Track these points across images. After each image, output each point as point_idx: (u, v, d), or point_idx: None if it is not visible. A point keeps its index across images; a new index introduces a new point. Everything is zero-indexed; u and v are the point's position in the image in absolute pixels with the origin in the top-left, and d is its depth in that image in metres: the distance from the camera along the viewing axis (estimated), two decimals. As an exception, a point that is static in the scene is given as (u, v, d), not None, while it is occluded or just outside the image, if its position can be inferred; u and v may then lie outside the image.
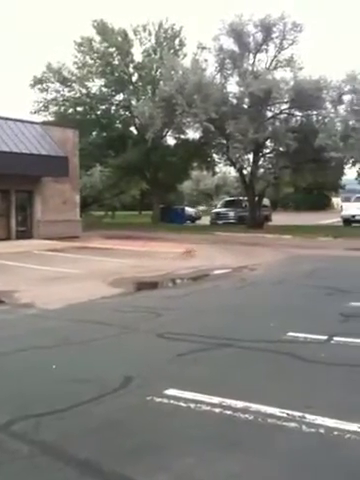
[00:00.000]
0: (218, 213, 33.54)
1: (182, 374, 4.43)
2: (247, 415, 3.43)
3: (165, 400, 3.81)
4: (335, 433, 3.11)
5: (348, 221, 27.73)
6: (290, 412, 3.42)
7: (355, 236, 20.89)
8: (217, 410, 3.56)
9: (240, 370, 4.48)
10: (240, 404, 3.63)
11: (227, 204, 34.74)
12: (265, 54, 26.04)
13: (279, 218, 33.93)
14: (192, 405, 3.69)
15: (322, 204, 56.17)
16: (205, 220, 36.67)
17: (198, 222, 39.70)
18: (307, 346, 5.17)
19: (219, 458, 2.90)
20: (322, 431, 3.12)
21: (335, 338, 5.36)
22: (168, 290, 9.74)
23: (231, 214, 32.31)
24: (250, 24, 24.93)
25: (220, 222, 31.70)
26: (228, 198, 40.11)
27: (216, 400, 3.74)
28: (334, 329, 5.75)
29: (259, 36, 25.19)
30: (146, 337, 5.79)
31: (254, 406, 3.57)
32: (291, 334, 5.55)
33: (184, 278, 11.15)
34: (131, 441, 3.15)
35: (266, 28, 24.75)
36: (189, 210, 41.67)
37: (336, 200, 57.95)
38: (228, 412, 3.52)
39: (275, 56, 25.94)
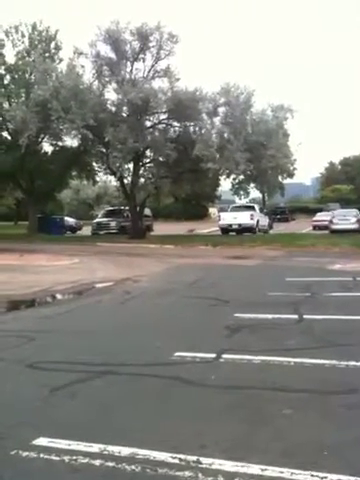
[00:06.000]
0: (99, 223, 32.72)
1: (56, 416, 3.74)
2: (134, 466, 2.88)
3: (33, 454, 3.11)
4: None
5: (225, 230, 28.74)
6: (183, 456, 2.94)
7: (232, 244, 21.57)
8: (97, 462, 2.96)
9: (124, 404, 3.92)
10: (125, 451, 3.07)
11: (108, 214, 34.08)
12: (142, 63, 26.06)
13: (161, 228, 34.11)
14: (66, 458, 3.03)
15: (200, 214, 58.02)
16: (86, 230, 35.58)
17: (79, 232, 38.45)
18: (196, 367, 4.79)
19: None
20: (221, 479, 2.68)
21: (223, 355, 5.05)
22: (43, 309, 8.82)
23: (113, 224, 31.72)
24: (127, 32, 24.80)
25: (101, 232, 30.94)
26: (109, 208, 39.47)
27: (96, 448, 3.14)
28: (221, 345, 5.46)
29: (136, 44, 25.12)
30: (13, 369, 4.96)
31: (142, 452, 3.03)
32: (178, 354, 5.13)
33: (62, 294, 10.30)
34: None
35: (143, 37, 24.73)
36: (69, 220, 40.26)
37: (213, 210, 60.40)
38: (111, 464, 2.93)
39: (152, 66, 26.04)
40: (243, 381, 4.30)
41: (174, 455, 2.97)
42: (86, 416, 3.72)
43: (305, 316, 6.84)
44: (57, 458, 3.04)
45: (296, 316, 6.90)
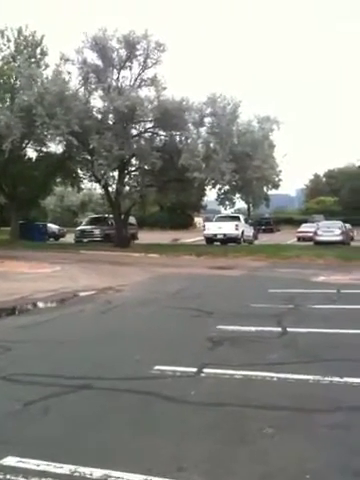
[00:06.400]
0: (83, 231, 32.37)
1: (27, 433, 3.55)
2: (105, 490, 2.71)
3: (0, 475, 2.92)
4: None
5: (210, 240, 28.68)
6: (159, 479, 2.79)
7: (216, 254, 21.48)
8: (67, 486, 2.79)
9: (99, 421, 3.74)
10: (97, 473, 2.90)
11: (93, 221, 33.77)
12: (129, 71, 25.96)
13: (146, 236, 33.92)
14: (35, 480, 2.86)
15: (185, 223, 58.00)
16: (70, 238, 35.20)
17: (62, 240, 38.05)
18: (176, 382, 4.62)
19: None
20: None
21: (205, 370, 4.90)
22: (22, 318, 8.59)
23: (97, 232, 31.41)
24: (114, 39, 24.72)
25: (85, 240, 30.59)
26: (94, 215, 39.16)
27: (67, 469, 2.96)
28: (203, 358, 5.31)
29: (123, 52, 25.06)
30: (-14, 382, 4.75)
31: (114, 474, 2.86)
32: (158, 368, 4.97)
33: (43, 302, 10.06)
34: None
35: (130, 45, 24.69)
36: (52, 227, 39.84)
37: (198, 219, 60.47)
38: (81, 487, 2.77)
39: (139, 74, 25.95)
40: (224, 398, 4.15)
41: (149, 478, 2.81)
42: (58, 433, 3.53)
43: (289, 329, 6.73)
44: (25, 480, 2.86)
45: (280, 329, 6.79)
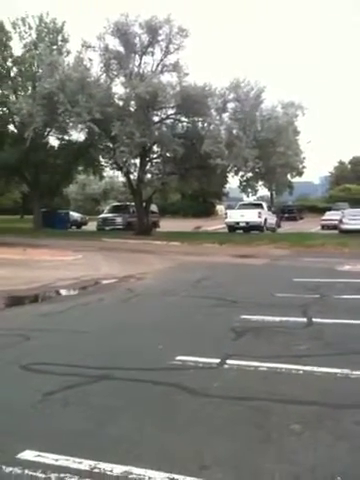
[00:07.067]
0: (105, 219, 32.47)
1: (46, 425, 3.47)
2: (126, 488, 2.60)
3: (18, 469, 2.83)
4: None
5: (232, 228, 28.38)
6: (182, 478, 2.66)
7: (239, 243, 21.24)
8: (86, 482, 2.69)
9: (120, 414, 3.63)
10: (118, 469, 2.79)
11: (114, 209, 33.82)
12: (151, 57, 25.73)
13: (167, 224, 33.81)
14: (53, 476, 2.76)
15: (207, 211, 57.59)
16: (92, 226, 35.34)
17: (84, 228, 38.25)
18: (198, 373, 4.49)
19: None
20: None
21: (228, 361, 4.75)
22: (43, 306, 8.57)
23: (119, 220, 31.44)
24: (136, 25, 24.47)
25: (107, 228, 30.68)
26: (116, 203, 39.20)
27: (87, 465, 2.86)
28: (226, 349, 5.16)
29: (145, 38, 24.79)
30: (5, 370, 4.70)
31: (136, 471, 2.75)
32: (180, 358, 4.84)
33: (64, 290, 10.05)
34: None
35: (152, 30, 24.39)
36: (74, 215, 40.07)
37: (220, 207, 59.97)
38: (101, 485, 2.66)
39: (161, 60, 25.68)
40: (248, 391, 4.00)
41: (171, 476, 2.69)
42: (78, 426, 3.43)
43: (314, 319, 6.52)
44: (43, 476, 2.77)
45: (305, 319, 6.58)
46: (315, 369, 4.45)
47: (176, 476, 2.69)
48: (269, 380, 4.27)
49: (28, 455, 2.99)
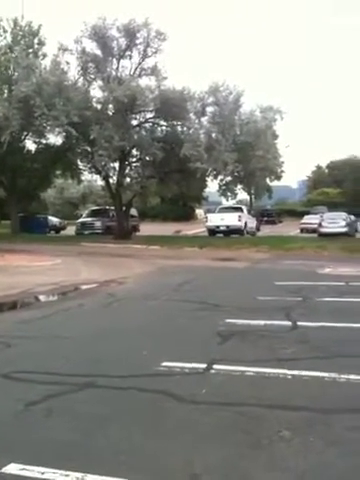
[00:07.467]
0: (84, 223, 32.16)
1: (30, 437, 3.35)
2: (114, 502, 2.51)
3: (2, 485, 2.72)
4: None
5: (212, 231, 28.42)
6: (172, 490, 2.59)
7: (219, 246, 21.27)
8: (74, 496, 2.59)
9: (105, 423, 3.53)
10: (105, 482, 2.70)
11: (93, 214, 33.54)
12: (129, 61, 25.68)
13: (147, 228, 33.69)
14: (39, 491, 2.66)
15: (187, 215, 57.64)
16: (70, 230, 34.98)
17: (63, 232, 37.84)
18: (185, 379, 4.42)
19: None
20: None
21: (215, 366, 4.69)
22: (23, 312, 8.38)
23: (98, 224, 31.19)
24: (113, 28, 24.41)
25: (86, 232, 30.39)
26: (94, 207, 38.91)
27: (74, 477, 2.76)
28: (212, 354, 5.11)
29: (123, 41, 24.75)
30: (-15, 381, 4.55)
31: (123, 484, 2.67)
32: (166, 364, 4.76)
33: (44, 296, 9.86)
34: None
35: (130, 34, 24.35)
36: (53, 219, 39.62)
37: (199, 211, 60.11)
38: (88, 498, 2.56)
39: (139, 63, 25.65)
40: (236, 397, 3.95)
41: (162, 488, 2.61)
42: (63, 437, 3.32)
43: (299, 323, 6.51)
44: (28, 490, 2.66)
45: (289, 323, 6.58)
46: (302, 373, 4.42)
47: (167, 487, 2.61)
48: (256, 385, 4.22)
49: (12, 469, 2.87)
